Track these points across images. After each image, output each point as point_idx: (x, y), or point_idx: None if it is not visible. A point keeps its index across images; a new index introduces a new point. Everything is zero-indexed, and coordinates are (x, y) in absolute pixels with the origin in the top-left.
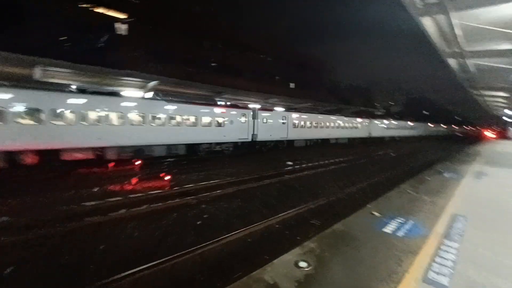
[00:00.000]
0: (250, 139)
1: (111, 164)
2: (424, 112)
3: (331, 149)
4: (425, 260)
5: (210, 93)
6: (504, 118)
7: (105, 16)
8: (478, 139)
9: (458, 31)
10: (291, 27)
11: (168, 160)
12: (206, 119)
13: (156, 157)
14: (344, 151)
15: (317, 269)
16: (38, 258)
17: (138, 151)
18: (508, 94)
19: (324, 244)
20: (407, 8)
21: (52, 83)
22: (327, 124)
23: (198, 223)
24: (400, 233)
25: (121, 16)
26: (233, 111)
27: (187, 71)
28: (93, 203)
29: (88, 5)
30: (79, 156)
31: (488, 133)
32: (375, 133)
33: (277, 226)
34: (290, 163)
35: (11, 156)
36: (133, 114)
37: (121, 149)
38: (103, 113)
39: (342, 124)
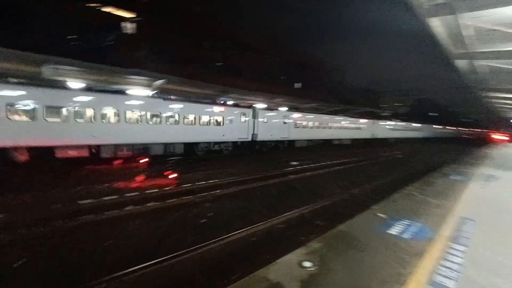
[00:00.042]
0: (250, 139)
1: (118, 162)
2: (430, 113)
3: (333, 150)
4: (431, 263)
5: (216, 92)
6: None
7: (110, 15)
8: (486, 141)
9: (467, 32)
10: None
11: (172, 158)
12: (205, 118)
13: (154, 156)
14: (347, 152)
15: (321, 269)
16: (75, 245)
17: (144, 149)
18: None
19: (328, 244)
20: (414, 9)
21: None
22: (330, 124)
23: (202, 221)
24: (406, 235)
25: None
26: (232, 110)
27: (191, 70)
28: (113, 197)
29: (95, 5)
30: (86, 153)
31: (497, 136)
32: (380, 135)
33: (281, 226)
34: (294, 163)
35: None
36: (135, 112)
37: (128, 147)
38: (112, 112)
39: (345, 125)
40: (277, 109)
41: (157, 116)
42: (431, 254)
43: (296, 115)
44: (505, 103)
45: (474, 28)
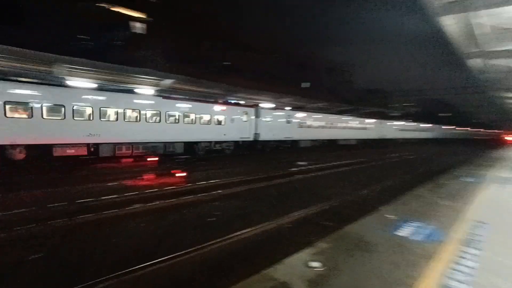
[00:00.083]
0: (252, 138)
1: (129, 160)
2: (441, 114)
3: (339, 151)
4: (442, 266)
5: (223, 92)
6: None
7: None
8: (498, 143)
9: (482, 30)
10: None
11: (181, 157)
12: (205, 117)
13: (153, 155)
14: (354, 153)
15: (329, 270)
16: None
17: (143, 148)
18: None
19: (337, 245)
20: (426, 8)
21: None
22: (335, 124)
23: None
24: (416, 237)
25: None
26: (234, 109)
27: (191, 70)
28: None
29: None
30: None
31: (510, 138)
32: (388, 135)
33: (289, 225)
34: (301, 163)
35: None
36: (134, 111)
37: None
38: (113, 111)
39: (351, 125)
40: (281, 108)
41: (156, 114)
42: (442, 257)
43: (300, 114)
44: None
45: (490, 26)
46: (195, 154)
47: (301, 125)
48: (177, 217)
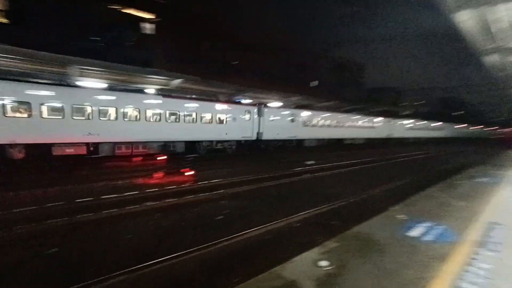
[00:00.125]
0: (254, 138)
1: (138, 159)
2: (454, 113)
3: (346, 150)
4: (455, 268)
5: (232, 91)
6: None
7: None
8: None
9: (499, 26)
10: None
11: (189, 156)
12: (207, 116)
13: (153, 154)
14: (361, 152)
15: (338, 269)
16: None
17: (142, 147)
18: None
19: (346, 244)
20: (441, 3)
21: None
22: (342, 123)
23: (218, 218)
24: (427, 238)
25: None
26: (236, 108)
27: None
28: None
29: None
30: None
31: None
32: (397, 134)
33: (298, 225)
34: (308, 162)
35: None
36: (134, 110)
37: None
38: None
39: (358, 124)
40: (285, 107)
41: (156, 113)
42: (455, 259)
43: (305, 113)
44: None
45: (508, 21)
46: (196, 153)
47: (306, 124)
48: (212, 208)
